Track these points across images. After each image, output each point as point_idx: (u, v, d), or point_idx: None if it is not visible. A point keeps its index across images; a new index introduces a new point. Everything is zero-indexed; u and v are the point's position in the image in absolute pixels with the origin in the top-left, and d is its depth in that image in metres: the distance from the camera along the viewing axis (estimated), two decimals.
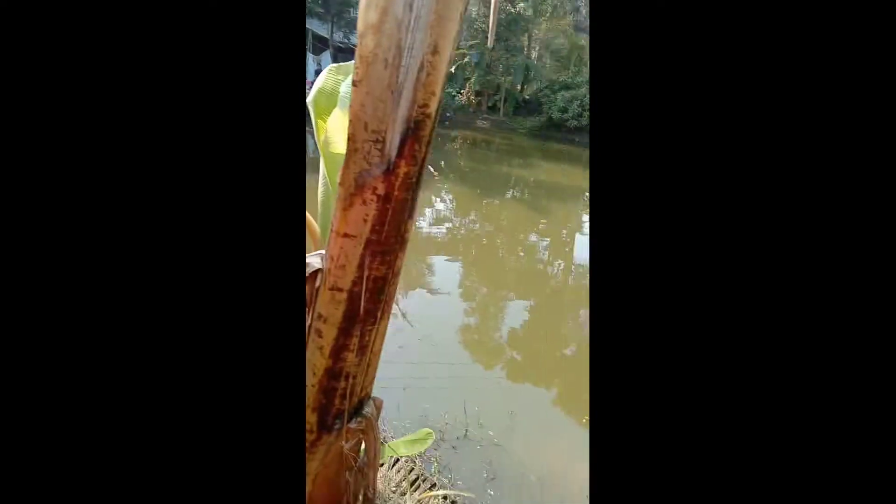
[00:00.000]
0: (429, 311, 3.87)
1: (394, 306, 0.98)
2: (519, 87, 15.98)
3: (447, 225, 6.43)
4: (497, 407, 2.62)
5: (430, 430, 1.58)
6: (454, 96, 15.93)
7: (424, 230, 5.81)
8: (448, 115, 15.41)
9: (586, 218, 7.91)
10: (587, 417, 2.67)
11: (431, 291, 4.31)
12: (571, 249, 6.24)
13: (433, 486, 1.91)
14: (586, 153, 13.45)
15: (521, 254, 5.80)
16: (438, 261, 4.98)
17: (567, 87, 14.50)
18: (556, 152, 13.12)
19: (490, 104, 16.50)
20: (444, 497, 1.85)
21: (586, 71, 14.39)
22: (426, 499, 1.77)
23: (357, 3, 0.81)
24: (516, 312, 4.03)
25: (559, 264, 5.71)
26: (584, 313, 4.29)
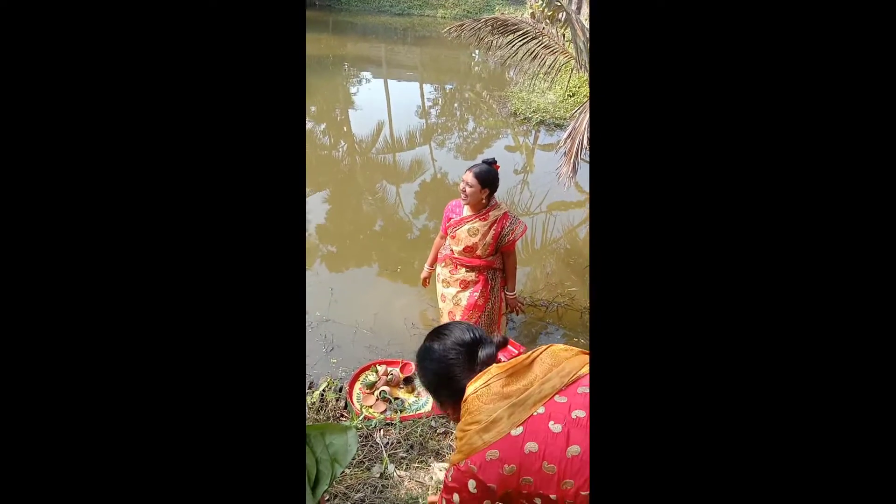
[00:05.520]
0: None
1: None
2: None
3: None
4: (322, 291, 2.77)
5: None
6: None
7: None
8: None
9: (354, 89, 7.72)
10: (400, 267, 3.03)
11: None
12: (349, 128, 6.17)
13: None
14: (340, 17, 12.49)
15: None
16: None
17: None
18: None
19: None
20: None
21: None
22: None
23: None
24: (316, 207, 4.00)
25: (342, 146, 5.65)
26: (381, 186, 4.50)
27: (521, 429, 0.83)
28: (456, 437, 0.89)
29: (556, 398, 0.86)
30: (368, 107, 6.88)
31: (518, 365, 0.90)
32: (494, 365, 0.91)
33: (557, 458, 0.81)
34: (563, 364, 0.91)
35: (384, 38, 11.50)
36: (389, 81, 8.27)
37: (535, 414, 0.84)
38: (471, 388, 0.89)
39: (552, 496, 0.81)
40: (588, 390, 0.87)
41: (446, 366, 0.93)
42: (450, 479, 0.88)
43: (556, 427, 0.83)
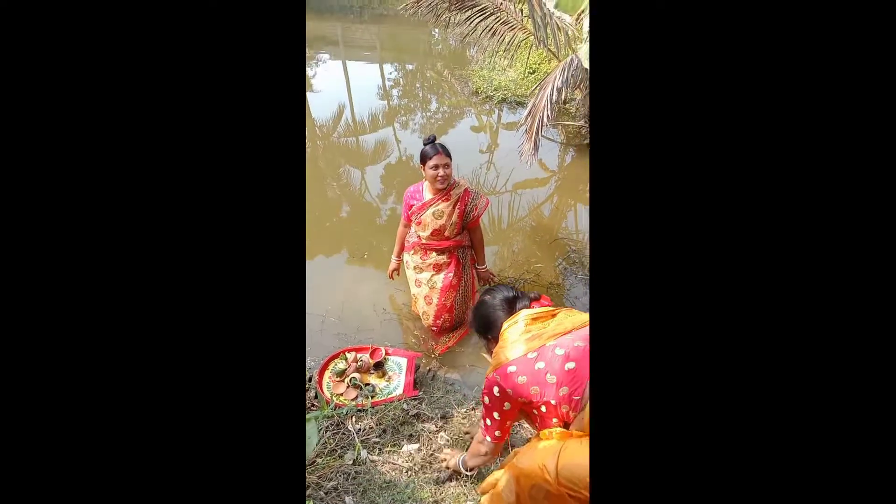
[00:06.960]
0: None
1: None
2: None
3: None
4: None
5: None
6: None
7: None
8: None
9: (311, 71, 7.46)
10: (367, 253, 3.00)
11: None
12: (309, 111, 5.98)
13: None
14: None
15: None
16: None
17: None
18: None
19: None
20: None
21: None
22: None
23: None
24: None
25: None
26: (345, 171, 4.40)
27: (535, 353, 1.15)
28: (491, 359, 1.22)
29: (565, 336, 1.16)
30: (327, 89, 6.67)
31: (543, 313, 1.22)
32: (525, 310, 1.25)
33: (557, 372, 1.11)
34: (577, 316, 1.22)
35: (339, 17, 11.12)
36: (348, 62, 8.03)
37: (547, 345, 1.15)
38: (505, 325, 1.23)
39: (552, 401, 1.11)
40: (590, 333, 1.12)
41: (493, 313, 1.29)
42: (483, 387, 1.22)
43: (559, 352, 1.13)
